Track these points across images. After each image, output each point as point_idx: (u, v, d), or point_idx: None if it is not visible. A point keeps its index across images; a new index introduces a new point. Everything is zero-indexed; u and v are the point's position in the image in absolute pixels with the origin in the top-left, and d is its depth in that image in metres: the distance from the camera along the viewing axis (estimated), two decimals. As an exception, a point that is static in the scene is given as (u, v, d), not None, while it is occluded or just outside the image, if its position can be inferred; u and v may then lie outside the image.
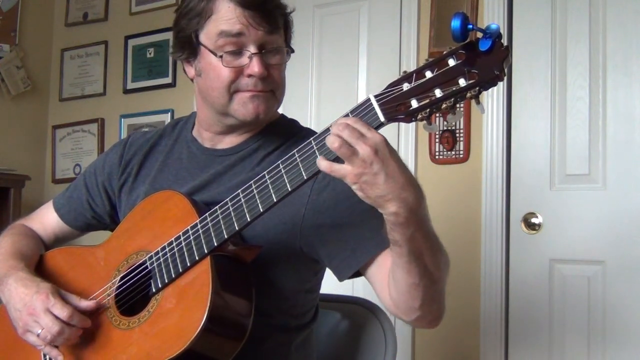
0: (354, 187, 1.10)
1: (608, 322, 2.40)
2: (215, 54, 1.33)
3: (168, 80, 3.50)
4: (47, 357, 1.37)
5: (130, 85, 3.63)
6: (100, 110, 3.72)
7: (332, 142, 1.07)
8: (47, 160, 3.88)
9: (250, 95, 1.34)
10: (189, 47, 1.39)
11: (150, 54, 3.56)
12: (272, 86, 1.36)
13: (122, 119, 3.63)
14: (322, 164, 1.11)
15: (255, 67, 1.31)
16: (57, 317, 1.28)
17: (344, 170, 1.09)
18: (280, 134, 1.45)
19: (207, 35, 1.35)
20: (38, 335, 1.29)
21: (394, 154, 1.09)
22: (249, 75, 1.33)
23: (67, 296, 1.34)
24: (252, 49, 1.32)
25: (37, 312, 1.29)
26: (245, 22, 1.31)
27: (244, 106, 1.35)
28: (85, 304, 1.33)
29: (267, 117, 1.39)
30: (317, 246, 1.34)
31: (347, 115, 1.11)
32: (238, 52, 1.33)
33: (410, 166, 2.79)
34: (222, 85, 1.34)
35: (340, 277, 1.34)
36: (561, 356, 2.47)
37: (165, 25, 3.40)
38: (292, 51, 1.42)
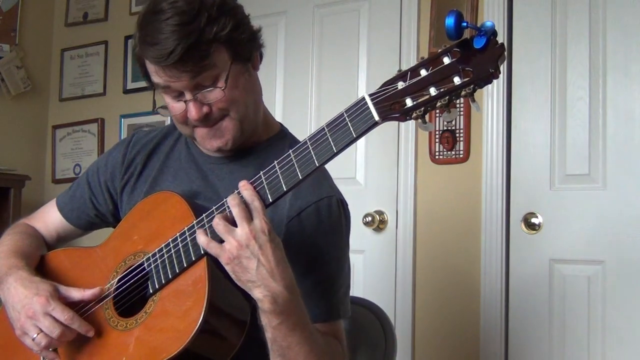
0: (226, 268, 1.16)
1: (608, 322, 2.39)
2: (155, 105, 1.39)
3: (168, 80, 3.49)
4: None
5: (130, 85, 3.63)
6: (100, 110, 3.72)
7: (215, 218, 1.16)
8: (47, 160, 3.88)
9: (205, 132, 1.36)
10: (150, 84, 1.39)
11: (150, 54, 3.55)
12: (221, 116, 1.34)
13: (122, 119, 3.63)
14: (201, 239, 1.18)
15: (191, 113, 1.31)
16: (57, 320, 1.27)
17: (219, 249, 1.15)
18: (273, 148, 1.45)
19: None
20: (33, 340, 1.29)
21: (273, 242, 1.14)
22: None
23: (70, 290, 1.33)
24: (186, 95, 1.31)
25: (37, 315, 1.28)
26: (166, 76, 1.29)
27: (203, 142, 1.39)
28: (90, 292, 1.33)
29: (236, 142, 1.38)
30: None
31: (340, 118, 1.12)
32: (178, 96, 1.33)
33: (410, 166, 2.78)
34: (180, 123, 1.38)
35: None
36: (561, 356, 2.47)
37: (165, 25, 3.40)
38: (248, 58, 1.37)
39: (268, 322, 1.17)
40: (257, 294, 1.15)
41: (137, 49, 1.33)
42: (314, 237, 1.36)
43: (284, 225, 1.35)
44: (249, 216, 1.13)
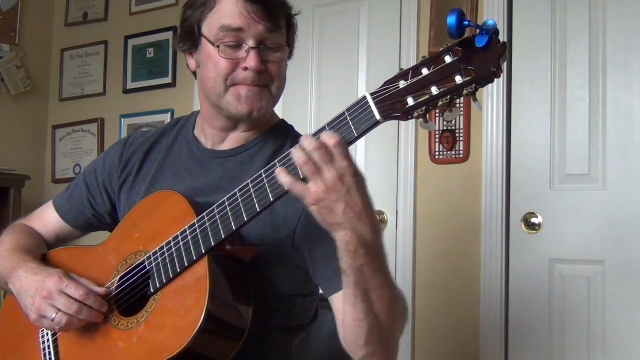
0: (312, 209, 1.11)
1: (608, 322, 2.39)
2: (213, 45, 1.34)
3: (168, 80, 3.50)
4: (48, 355, 1.38)
5: (130, 85, 3.63)
6: (100, 110, 3.72)
7: (298, 157, 1.09)
8: (47, 160, 3.88)
9: (246, 90, 1.35)
10: (191, 38, 1.40)
11: (150, 54, 3.55)
12: (267, 81, 1.36)
13: (122, 119, 3.63)
14: (283, 178, 1.12)
15: (251, 61, 1.32)
16: (72, 298, 1.28)
17: (305, 190, 1.10)
18: (278, 139, 1.45)
19: (209, 27, 1.35)
20: (53, 320, 1.28)
21: (359, 185, 1.09)
22: (245, 69, 1.33)
23: (79, 280, 1.34)
24: (250, 43, 1.32)
25: (52, 294, 1.29)
26: (247, 16, 1.31)
27: (237, 100, 1.36)
28: (97, 289, 1.33)
29: (262, 114, 1.39)
30: (306, 257, 1.34)
31: (341, 117, 1.11)
32: (237, 46, 1.33)
33: (410, 166, 2.79)
34: (219, 75, 1.35)
35: (326, 294, 1.34)
36: (561, 356, 2.47)
37: (165, 25, 3.41)
38: (291, 54, 1.43)
39: (352, 264, 1.13)
40: (343, 235, 1.11)
41: None
42: None
43: (302, 210, 1.32)
44: (332, 158, 1.08)
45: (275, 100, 1.41)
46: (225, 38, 1.33)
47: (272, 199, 1.17)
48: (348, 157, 1.09)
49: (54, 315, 1.28)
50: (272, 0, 1.34)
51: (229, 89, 1.36)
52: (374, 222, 1.12)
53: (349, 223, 1.09)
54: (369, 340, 1.20)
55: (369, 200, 1.11)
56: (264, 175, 1.18)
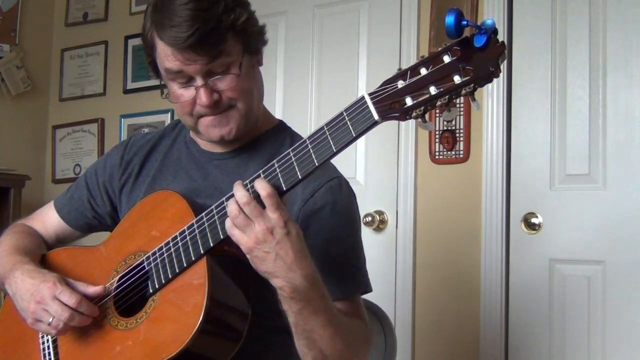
0: (247, 256, 1.16)
1: (608, 322, 2.39)
2: (163, 91, 1.38)
3: (168, 80, 3.49)
4: (47, 356, 1.37)
5: (130, 85, 3.63)
6: (100, 110, 3.72)
7: (231, 209, 1.14)
8: (47, 160, 3.88)
9: (210, 120, 1.37)
10: (155, 71, 1.41)
11: (150, 54, 3.55)
12: (230, 103, 1.36)
13: (122, 119, 3.62)
14: (227, 223, 1.17)
15: (202, 98, 1.32)
16: (65, 304, 1.28)
17: (241, 237, 1.15)
18: (276, 141, 1.46)
19: (160, 67, 1.37)
20: (49, 324, 1.29)
21: (290, 235, 1.14)
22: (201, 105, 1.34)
23: (74, 284, 1.34)
24: (197, 81, 1.33)
25: (45, 299, 1.29)
26: (181, 59, 1.30)
27: (207, 130, 1.38)
28: (93, 289, 1.33)
29: (236, 134, 1.39)
30: None
31: (339, 117, 1.11)
32: (187, 82, 1.34)
33: (410, 166, 2.78)
34: (183, 113, 1.38)
35: None
36: (561, 356, 2.46)
37: (165, 25, 3.40)
38: (255, 52, 1.40)
39: (289, 308, 1.18)
40: (276, 282, 1.16)
41: (150, 33, 1.34)
42: (329, 215, 1.37)
43: (300, 209, 1.36)
44: (263, 211, 1.13)
45: (247, 115, 1.39)
46: (174, 79, 1.35)
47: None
48: (279, 208, 1.13)
49: (50, 320, 1.29)
50: (199, 36, 1.27)
51: (197, 121, 1.38)
52: (306, 270, 1.16)
53: (280, 272, 1.14)
54: None
55: (301, 249, 1.15)
56: (262, 175, 1.18)
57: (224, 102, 1.35)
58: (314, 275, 1.17)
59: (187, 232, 1.25)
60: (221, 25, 1.29)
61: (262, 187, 1.13)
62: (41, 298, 1.30)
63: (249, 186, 1.17)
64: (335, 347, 1.23)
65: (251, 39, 1.37)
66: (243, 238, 1.15)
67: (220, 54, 1.31)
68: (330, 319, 1.22)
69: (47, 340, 1.40)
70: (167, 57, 1.32)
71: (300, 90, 3.08)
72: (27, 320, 1.34)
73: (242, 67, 1.34)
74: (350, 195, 1.44)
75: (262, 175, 1.18)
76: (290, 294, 1.15)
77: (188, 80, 1.33)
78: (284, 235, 1.13)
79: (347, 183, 1.45)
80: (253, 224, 1.13)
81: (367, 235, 2.81)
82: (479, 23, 1.01)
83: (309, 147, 1.13)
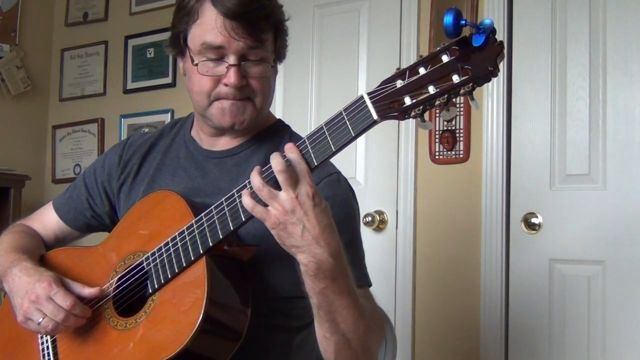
0: (272, 232, 1.13)
1: (608, 322, 2.39)
2: (193, 61, 1.36)
3: (168, 80, 3.50)
4: (46, 356, 1.37)
5: (130, 85, 3.63)
6: (100, 110, 3.72)
7: (255, 181, 1.12)
8: (47, 160, 3.88)
9: (229, 104, 1.36)
10: (178, 45, 1.41)
11: (150, 54, 3.56)
12: (250, 94, 1.37)
13: (122, 119, 3.63)
14: (246, 201, 1.14)
15: (231, 77, 1.33)
16: (59, 306, 1.28)
17: (265, 213, 1.12)
18: (275, 140, 1.46)
19: (193, 39, 1.36)
20: (39, 324, 1.29)
21: (319, 208, 1.12)
22: (226, 84, 1.34)
23: (71, 284, 1.34)
24: (231, 60, 1.33)
25: (40, 299, 1.29)
26: (227, 33, 1.31)
27: (221, 113, 1.38)
28: (89, 291, 1.33)
29: (246, 126, 1.40)
30: None
31: (338, 116, 1.11)
32: (218, 60, 1.34)
33: (410, 166, 2.78)
34: (202, 91, 1.37)
35: None
36: (561, 356, 2.47)
37: (165, 25, 3.35)
38: (280, 60, 1.43)
39: (313, 287, 1.16)
40: (301, 258, 1.13)
41: (195, 1, 1.35)
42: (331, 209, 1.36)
43: None
44: (295, 181, 1.11)
45: (259, 111, 1.41)
46: (206, 53, 1.34)
47: None
48: (310, 180, 1.12)
49: (40, 320, 1.29)
50: (254, 14, 1.32)
51: (212, 103, 1.38)
52: (333, 246, 1.14)
53: (306, 247, 1.12)
54: (337, 356, 1.23)
55: (329, 224, 1.13)
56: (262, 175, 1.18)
57: (246, 90, 1.36)
58: (341, 253, 1.16)
59: (186, 233, 1.25)
60: (271, 17, 1.36)
61: (294, 156, 1.13)
62: (36, 297, 1.29)
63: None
64: (358, 329, 1.21)
65: (283, 45, 1.42)
66: (268, 213, 1.12)
67: (263, 43, 1.34)
68: (355, 301, 1.20)
69: (47, 340, 1.40)
70: (212, 29, 1.32)
71: (300, 90, 3.09)
72: (17, 318, 1.34)
73: (274, 64, 1.39)
74: (349, 190, 1.44)
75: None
76: (315, 270, 1.13)
77: (220, 59, 1.34)
78: (311, 207, 1.11)
79: (346, 179, 1.45)
80: (278, 195, 1.11)
81: (367, 235, 2.81)
82: (478, 23, 1.01)
83: (308, 147, 1.13)
